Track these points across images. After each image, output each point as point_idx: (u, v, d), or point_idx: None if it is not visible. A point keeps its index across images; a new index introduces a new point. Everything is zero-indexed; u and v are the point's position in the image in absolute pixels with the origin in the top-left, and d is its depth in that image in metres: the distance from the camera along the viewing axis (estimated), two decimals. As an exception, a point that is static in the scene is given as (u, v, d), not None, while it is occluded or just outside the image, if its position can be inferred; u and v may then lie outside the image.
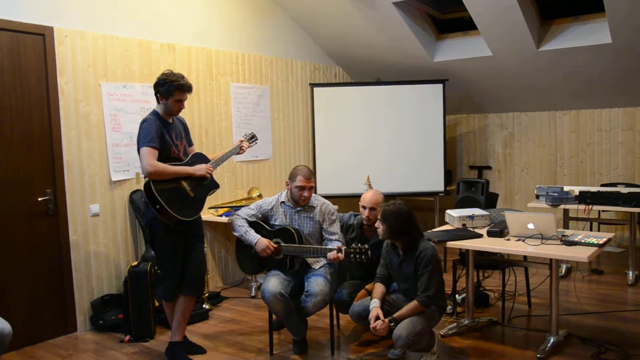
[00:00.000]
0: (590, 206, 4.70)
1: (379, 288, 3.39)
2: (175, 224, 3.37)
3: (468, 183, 5.14)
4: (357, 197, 3.89)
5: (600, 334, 3.78)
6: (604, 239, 3.39)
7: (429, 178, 6.32)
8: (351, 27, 6.00)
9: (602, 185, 5.77)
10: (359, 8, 5.61)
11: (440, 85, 6.26)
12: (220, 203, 5.19)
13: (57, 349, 3.87)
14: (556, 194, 4.87)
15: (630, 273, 4.99)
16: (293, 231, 3.59)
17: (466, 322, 3.99)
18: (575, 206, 4.78)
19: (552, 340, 3.53)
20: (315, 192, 6.15)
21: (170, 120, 3.51)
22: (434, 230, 3.96)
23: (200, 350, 3.74)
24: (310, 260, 3.68)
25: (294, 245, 3.55)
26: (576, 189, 4.95)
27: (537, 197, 5.15)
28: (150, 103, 3.81)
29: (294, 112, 6.25)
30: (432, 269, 3.19)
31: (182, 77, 3.42)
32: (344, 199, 6.06)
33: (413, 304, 3.19)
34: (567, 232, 3.68)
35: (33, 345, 3.91)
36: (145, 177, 3.32)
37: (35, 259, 3.95)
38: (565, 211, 5.22)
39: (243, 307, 4.72)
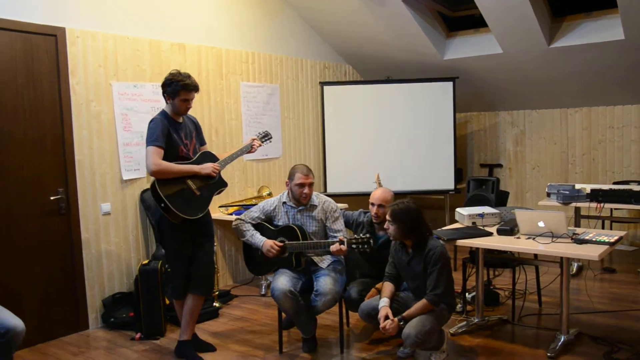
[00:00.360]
0: (602, 204, 4.66)
1: (387, 287, 3.39)
2: (181, 222, 3.38)
3: (478, 181, 5.11)
4: (367, 195, 3.88)
5: (611, 332, 3.75)
6: (616, 237, 3.36)
7: (439, 176, 6.30)
8: (361, 25, 6.00)
9: (614, 183, 5.71)
10: (368, 6, 5.60)
11: (451, 83, 6.23)
12: (231, 202, 5.21)
13: (69, 347, 3.91)
14: (567, 192, 4.84)
15: (643, 272, 4.95)
16: (296, 228, 3.60)
17: (476, 320, 3.98)
18: (586, 204, 4.74)
19: (562, 339, 3.51)
20: (325, 191, 6.22)
21: (180, 120, 3.53)
22: (444, 228, 3.95)
23: (210, 348, 3.76)
24: (316, 258, 3.69)
25: (297, 242, 3.56)
26: (588, 187, 4.90)
27: (549, 195, 5.12)
28: (161, 102, 3.85)
29: (304, 110, 6.26)
30: (441, 266, 3.18)
31: (189, 76, 3.43)
32: (354, 198, 6.06)
33: (422, 302, 3.18)
34: (578, 230, 3.65)
35: (45, 343, 3.96)
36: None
37: (48, 257, 4.00)
38: (577, 209, 5.18)
39: (253, 305, 4.74)
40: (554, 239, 3.41)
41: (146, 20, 4.61)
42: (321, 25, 6.26)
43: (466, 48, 6.06)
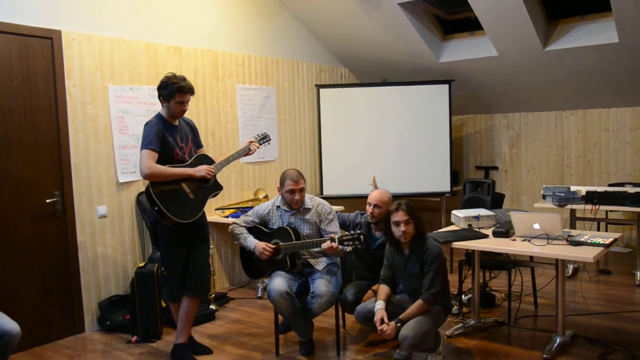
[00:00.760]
0: (597, 206, 4.68)
1: (383, 289, 3.39)
2: (174, 225, 3.38)
3: (474, 183, 5.12)
4: (364, 198, 3.89)
5: (607, 334, 3.77)
6: (610, 239, 3.38)
7: (435, 178, 6.32)
8: (357, 28, 6.01)
9: (609, 185, 5.73)
10: (364, 9, 5.62)
11: (446, 86, 6.25)
12: (227, 204, 5.21)
13: (65, 350, 3.90)
14: (563, 194, 4.86)
15: (638, 273, 4.97)
16: (289, 230, 3.61)
17: (472, 322, 3.99)
18: (582, 206, 4.76)
19: (558, 341, 3.52)
20: (322, 193, 6.22)
21: (176, 123, 3.53)
22: (440, 230, 3.96)
23: (207, 351, 3.75)
24: (312, 261, 3.69)
25: (290, 242, 3.57)
26: (583, 189, 4.92)
27: (544, 197, 5.14)
28: (157, 105, 3.85)
29: (300, 113, 6.27)
30: (437, 266, 3.20)
31: (184, 79, 3.44)
32: (350, 200, 6.07)
33: (418, 303, 3.19)
34: (573, 232, 3.67)
35: (41, 346, 3.95)
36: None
37: (44, 260, 3.99)
38: (572, 211, 5.20)
39: (249, 307, 4.74)
40: (550, 241, 3.42)
41: (142, 23, 4.61)
42: (317, 28, 6.27)
43: (462, 51, 6.09)
